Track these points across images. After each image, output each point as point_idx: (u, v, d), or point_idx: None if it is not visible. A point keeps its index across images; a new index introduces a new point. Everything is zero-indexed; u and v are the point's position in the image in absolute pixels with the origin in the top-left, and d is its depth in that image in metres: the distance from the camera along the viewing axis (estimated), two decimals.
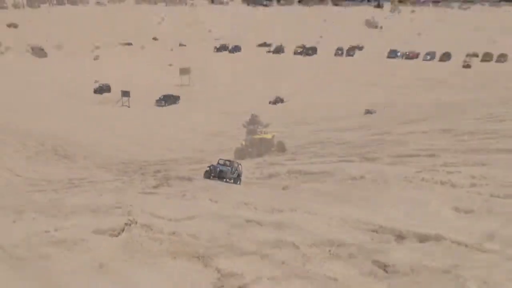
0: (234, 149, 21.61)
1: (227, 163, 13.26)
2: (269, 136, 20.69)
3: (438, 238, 6.31)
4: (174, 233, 8.50)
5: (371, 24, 73.55)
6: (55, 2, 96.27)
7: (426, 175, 9.44)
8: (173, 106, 41.23)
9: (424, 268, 5.65)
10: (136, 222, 9.46)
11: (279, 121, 36.01)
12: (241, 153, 20.54)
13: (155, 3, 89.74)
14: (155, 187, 15.10)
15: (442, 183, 8.90)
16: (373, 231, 7.04)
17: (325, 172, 11.66)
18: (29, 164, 28.71)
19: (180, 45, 65.53)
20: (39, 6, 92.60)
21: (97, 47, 55.18)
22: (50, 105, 44.28)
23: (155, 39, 63.51)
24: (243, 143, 20.82)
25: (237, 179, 12.35)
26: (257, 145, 20.24)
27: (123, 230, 8.96)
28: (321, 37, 61.53)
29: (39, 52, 65.08)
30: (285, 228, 7.65)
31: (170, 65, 57.09)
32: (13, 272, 7.45)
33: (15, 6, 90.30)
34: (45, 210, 12.54)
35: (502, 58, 53.92)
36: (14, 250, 8.28)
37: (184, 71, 55.00)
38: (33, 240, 8.81)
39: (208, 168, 13.51)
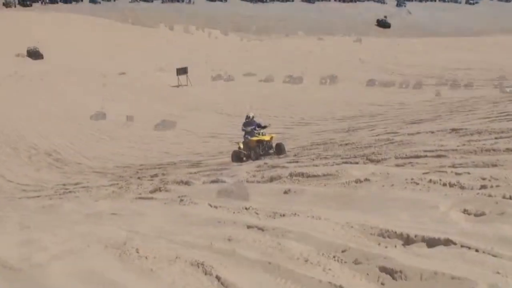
0: (231, 152, 21.56)
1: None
2: (267, 137, 20.51)
3: (447, 243, 6.24)
4: (171, 240, 8.46)
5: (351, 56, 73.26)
6: (47, 0, 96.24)
7: (434, 177, 9.37)
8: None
9: (433, 274, 5.59)
10: (137, 232, 9.43)
11: (280, 122, 36.05)
12: (238, 156, 20.46)
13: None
14: (152, 191, 15.13)
15: (450, 185, 8.84)
16: (379, 235, 6.99)
17: (329, 175, 11.62)
18: (21, 169, 28.72)
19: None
20: (31, 5, 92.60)
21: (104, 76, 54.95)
22: (45, 112, 44.25)
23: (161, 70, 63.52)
24: (241, 146, 20.70)
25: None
26: (255, 148, 20.10)
27: (122, 238, 8.92)
28: (306, 68, 61.71)
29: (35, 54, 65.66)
30: (287, 233, 7.59)
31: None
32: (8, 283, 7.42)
33: (7, 5, 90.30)
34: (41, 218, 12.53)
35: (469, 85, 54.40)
36: (9, 261, 8.23)
37: (181, 70, 54.97)
38: (27, 251, 8.76)
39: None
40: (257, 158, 19.78)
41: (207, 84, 54.17)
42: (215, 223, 9.09)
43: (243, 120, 21.71)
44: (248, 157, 20.18)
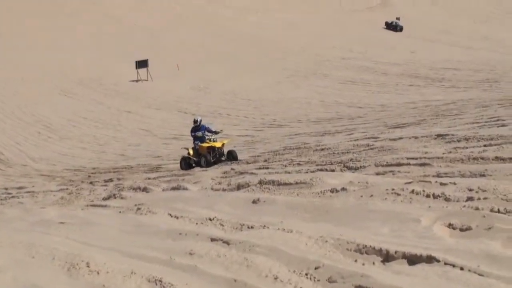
0: (180, 158, 21.76)
1: None
2: (219, 144, 21.04)
3: (430, 260, 6.32)
4: (126, 253, 8.42)
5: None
6: None
7: (416, 187, 9.47)
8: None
9: None
10: (88, 243, 9.36)
11: (249, 124, 36.11)
12: (188, 162, 20.82)
13: None
14: (105, 198, 15.06)
15: (435, 196, 8.95)
16: (356, 251, 7.05)
17: (302, 183, 11.66)
18: None
19: None
20: None
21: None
22: None
23: None
24: (190, 152, 21.06)
25: None
26: (206, 154, 20.47)
27: (71, 250, 8.85)
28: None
29: None
30: (255, 247, 7.62)
31: None
32: None
33: None
34: None
35: None
36: None
37: (141, 63, 54.57)
38: None
39: None
40: (207, 165, 20.29)
41: (170, 78, 53.89)
42: (176, 235, 9.07)
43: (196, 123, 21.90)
44: (198, 164, 20.70)
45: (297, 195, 10.88)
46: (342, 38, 79.81)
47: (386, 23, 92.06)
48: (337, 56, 67.28)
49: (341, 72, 57.93)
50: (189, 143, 22.32)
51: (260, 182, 12.58)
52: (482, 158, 11.75)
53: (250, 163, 18.74)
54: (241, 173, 15.87)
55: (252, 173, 15.17)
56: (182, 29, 79.33)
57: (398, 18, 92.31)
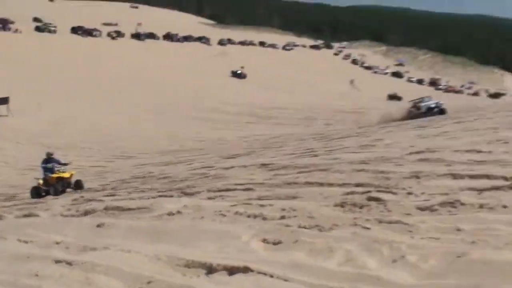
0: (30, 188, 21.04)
1: None
2: (67, 174, 20.80)
3: (246, 270, 6.53)
4: None
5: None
6: None
7: (240, 209, 9.76)
8: None
9: None
10: None
11: (102, 156, 35.21)
12: (38, 192, 20.31)
13: None
14: None
15: (254, 216, 9.26)
16: (185, 266, 7.12)
17: (143, 208, 11.60)
18: None
19: None
20: None
21: None
22: None
23: None
24: (41, 182, 20.50)
25: None
26: (55, 184, 20.08)
27: None
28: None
29: None
30: (96, 267, 7.46)
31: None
32: None
33: None
34: None
35: None
36: None
37: (1, 100, 51.49)
38: None
39: None
40: (56, 194, 19.91)
41: (32, 115, 51.23)
42: (24, 258, 8.64)
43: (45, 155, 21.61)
44: (48, 193, 20.27)
45: (138, 219, 10.77)
46: (192, 82, 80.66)
47: (232, 72, 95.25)
48: (187, 97, 67.74)
49: (189, 111, 58.34)
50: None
51: (106, 208, 12.34)
52: (295, 183, 12.33)
53: (98, 191, 18.30)
54: (89, 200, 15.46)
55: (99, 200, 14.83)
56: (50, 65, 76.40)
57: (242, 67, 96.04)
